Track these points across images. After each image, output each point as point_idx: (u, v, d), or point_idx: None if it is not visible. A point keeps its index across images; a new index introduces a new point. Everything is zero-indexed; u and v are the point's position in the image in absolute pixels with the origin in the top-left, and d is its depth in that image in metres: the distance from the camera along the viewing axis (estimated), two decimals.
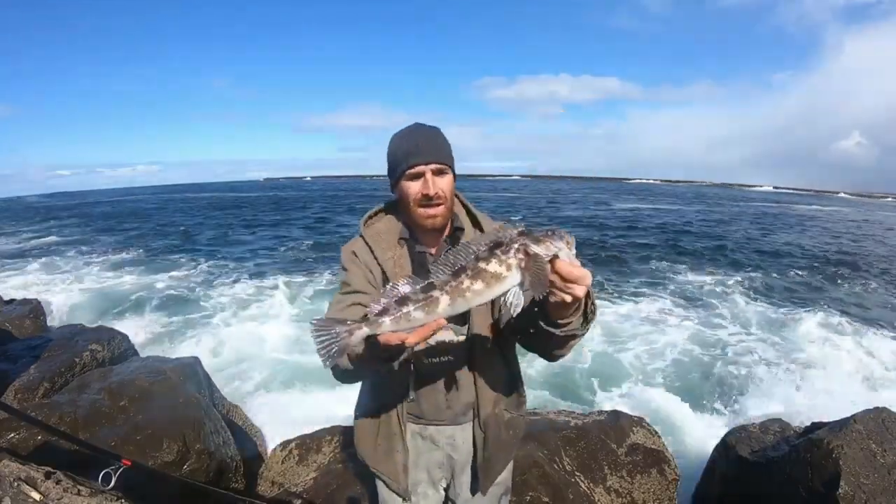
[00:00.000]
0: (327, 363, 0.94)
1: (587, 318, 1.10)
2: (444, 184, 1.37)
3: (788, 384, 6.38)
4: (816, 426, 3.21)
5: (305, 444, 3.31)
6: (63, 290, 10.53)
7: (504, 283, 0.91)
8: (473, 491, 1.52)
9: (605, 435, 3.24)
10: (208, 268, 13.31)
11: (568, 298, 0.95)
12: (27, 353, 3.99)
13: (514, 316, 1.19)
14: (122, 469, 1.93)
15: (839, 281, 12.33)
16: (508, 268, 0.91)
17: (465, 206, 1.54)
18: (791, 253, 16.36)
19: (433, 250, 1.44)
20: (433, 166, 1.34)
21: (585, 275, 0.94)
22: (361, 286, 1.39)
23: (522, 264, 0.90)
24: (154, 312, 9.31)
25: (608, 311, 9.31)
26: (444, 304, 0.92)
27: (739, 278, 12.14)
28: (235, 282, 11.79)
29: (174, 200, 49.53)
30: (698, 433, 5.05)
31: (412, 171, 1.34)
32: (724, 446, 3.55)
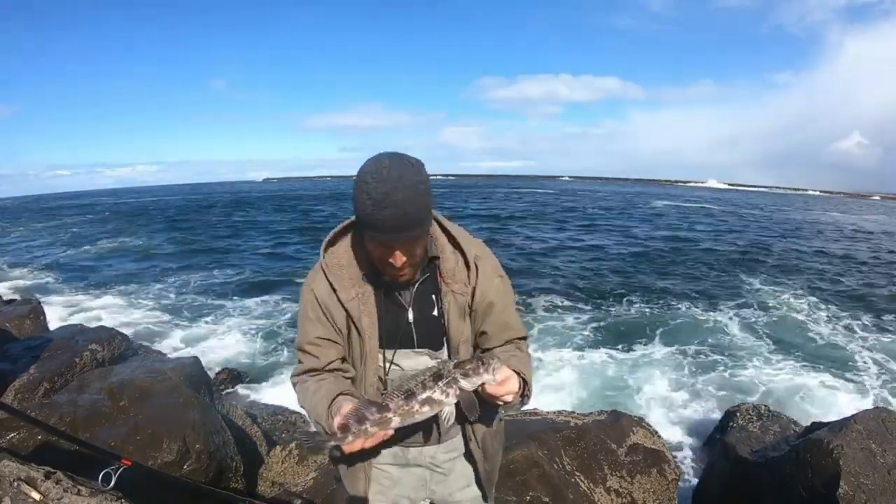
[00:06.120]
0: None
1: (524, 401, 1.33)
2: (417, 249, 1.23)
3: (790, 385, 6.39)
4: (816, 426, 3.21)
5: None
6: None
7: (443, 406, 1.20)
8: (461, 492, 1.51)
9: (605, 435, 3.24)
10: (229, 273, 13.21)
11: (500, 404, 1.24)
12: (27, 353, 3.99)
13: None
14: (122, 469, 1.93)
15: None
16: (447, 395, 1.18)
17: (441, 225, 1.38)
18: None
19: (403, 288, 1.34)
20: (402, 243, 1.19)
21: (510, 390, 1.21)
22: (322, 334, 1.34)
23: (458, 393, 1.18)
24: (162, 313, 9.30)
25: (611, 313, 9.32)
26: (396, 422, 1.19)
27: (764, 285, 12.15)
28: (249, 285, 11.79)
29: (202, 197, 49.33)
30: (698, 433, 5.06)
31: (376, 243, 1.20)
32: (724, 446, 3.56)
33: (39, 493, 1.79)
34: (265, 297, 10.32)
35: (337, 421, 1.19)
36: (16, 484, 1.77)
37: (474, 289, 1.35)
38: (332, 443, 1.17)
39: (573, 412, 3.61)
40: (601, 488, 3.00)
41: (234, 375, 6.40)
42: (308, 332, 1.36)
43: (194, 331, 8.34)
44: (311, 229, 22.36)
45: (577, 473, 3.02)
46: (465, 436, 1.46)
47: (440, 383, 1.18)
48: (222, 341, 7.83)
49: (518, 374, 1.26)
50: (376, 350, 1.34)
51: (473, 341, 1.41)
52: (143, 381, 3.26)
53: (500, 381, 1.19)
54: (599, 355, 7.24)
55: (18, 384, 3.54)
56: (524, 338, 1.45)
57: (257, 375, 6.59)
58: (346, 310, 1.32)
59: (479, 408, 1.30)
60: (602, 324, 8.64)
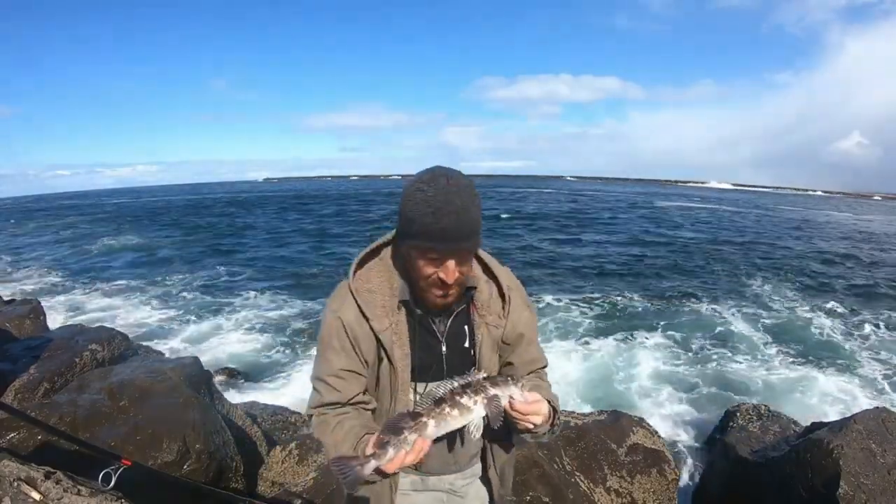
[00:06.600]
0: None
1: (553, 429, 1.29)
2: (467, 264, 1.18)
3: (791, 384, 6.39)
4: (816, 426, 3.21)
5: (305, 445, 3.31)
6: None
7: (472, 414, 1.17)
8: None
9: (606, 435, 3.24)
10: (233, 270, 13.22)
11: (529, 426, 1.19)
12: (27, 353, 3.98)
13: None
14: (122, 469, 1.93)
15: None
16: (475, 403, 1.15)
17: (476, 254, 1.32)
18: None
19: (436, 315, 1.28)
20: (459, 253, 1.14)
21: (538, 410, 1.17)
22: (347, 366, 1.25)
23: (485, 401, 1.16)
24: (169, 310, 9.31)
25: (613, 312, 9.32)
26: (431, 427, 1.13)
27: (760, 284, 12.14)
28: (257, 286, 11.77)
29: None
30: (698, 433, 5.06)
31: (434, 256, 1.13)
32: (724, 446, 3.55)
33: (39, 493, 1.79)
34: (266, 298, 10.32)
35: (372, 441, 1.12)
36: (16, 484, 1.77)
37: (506, 321, 1.32)
38: (373, 463, 1.10)
39: (573, 412, 3.61)
40: (601, 488, 3.00)
41: (234, 375, 6.40)
42: (332, 362, 1.25)
43: (194, 331, 8.34)
44: (315, 230, 22.38)
45: (577, 473, 3.02)
46: (484, 461, 1.44)
47: (469, 390, 1.15)
48: (223, 341, 7.83)
49: (547, 401, 1.24)
50: (408, 383, 1.28)
51: (499, 372, 1.39)
52: (143, 381, 3.26)
53: (529, 399, 1.16)
54: (600, 355, 7.24)
55: (18, 384, 3.54)
56: (545, 366, 1.45)
57: (258, 375, 6.60)
58: (378, 340, 1.24)
59: (504, 434, 1.29)
60: (604, 323, 8.65)
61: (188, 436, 2.91)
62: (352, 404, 1.28)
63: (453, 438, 1.32)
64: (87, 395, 3.13)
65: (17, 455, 2.22)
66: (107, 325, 5.71)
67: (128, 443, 2.77)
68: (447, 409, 1.14)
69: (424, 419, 1.13)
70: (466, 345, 1.31)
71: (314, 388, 1.30)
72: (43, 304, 5.82)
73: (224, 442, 3.19)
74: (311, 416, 1.30)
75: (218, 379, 5.95)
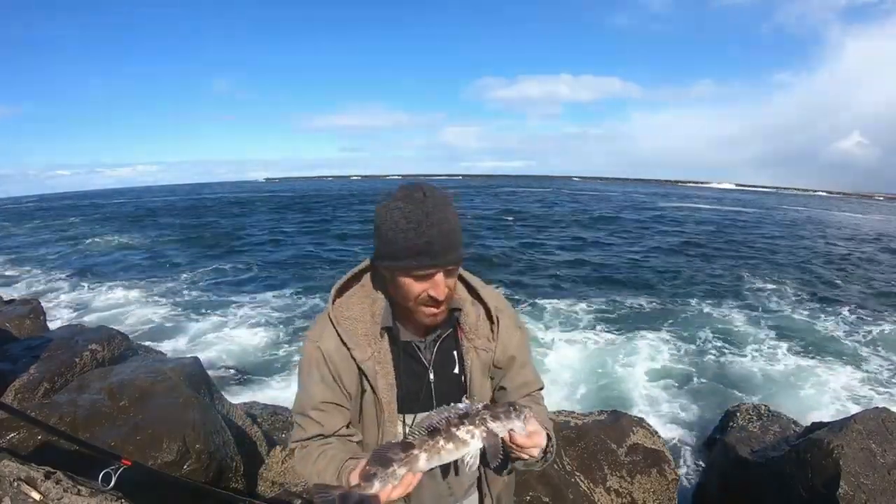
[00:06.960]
0: None
1: (546, 458, 1.22)
2: (452, 281, 1.15)
3: (791, 384, 6.39)
4: (816, 426, 3.21)
5: None
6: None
7: (468, 447, 1.09)
8: None
9: (606, 435, 3.24)
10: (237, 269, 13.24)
11: (526, 457, 1.14)
12: (27, 353, 3.98)
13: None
14: (122, 469, 1.93)
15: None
16: (473, 436, 1.08)
17: (461, 276, 1.29)
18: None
19: (421, 341, 1.24)
20: (447, 266, 1.11)
21: (538, 443, 1.12)
22: (329, 398, 1.21)
23: (484, 435, 1.09)
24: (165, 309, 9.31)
25: (614, 312, 9.31)
26: (423, 460, 1.06)
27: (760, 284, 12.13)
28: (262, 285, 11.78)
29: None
30: (698, 433, 5.06)
31: (421, 272, 1.10)
32: (724, 446, 3.55)
33: (39, 493, 1.79)
34: (267, 297, 10.32)
35: (359, 469, 1.06)
36: (16, 484, 1.77)
37: (496, 344, 1.28)
38: (356, 495, 1.04)
39: (573, 412, 3.61)
40: (601, 488, 3.00)
41: (234, 375, 6.41)
42: (314, 395, 1.21)
43: (195, 330, 8.35)
44: (316, 229, 22.39)
45: (577, 473, 3.02)
46: (480, 491, 1.38)
47: (466, 422, 1.08)
48: (223, 341, 7.83)
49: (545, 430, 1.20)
50: (395, 415, 1.22)
51: (492, 398, 1.34)
52: (143, 381, 3.26)
53: (529, 431, 1.10)
54: (601, 354, 7.24)
55: (18, 384, 3.54)
56: (541, 388, 1.39)
57: (258, 375, 6.60)
58: (360, 370, 1.20)
59: (502, 461, 1.21)
60: (604, 322, 8.65)
61: (188, 436, 2.91)
62: (336, 436, 1.23)
63: (447, 468, 1.27)
64: (87, 395, 3.13)
65: (17, 455, 2.22)
66: (107, 324, 5.72)
67: (128, 443, 2.77)
68: (441, 442, 1.07)
69: (416, 451, 1.06)
70: (456, 371, 1.26)
71: (296, 423, 1.26)
72: (43, 304, 5.82)
73: (224, 442, 3.19)
74: (294, 449, 1.26)
75: (218, 378, 5.96)
